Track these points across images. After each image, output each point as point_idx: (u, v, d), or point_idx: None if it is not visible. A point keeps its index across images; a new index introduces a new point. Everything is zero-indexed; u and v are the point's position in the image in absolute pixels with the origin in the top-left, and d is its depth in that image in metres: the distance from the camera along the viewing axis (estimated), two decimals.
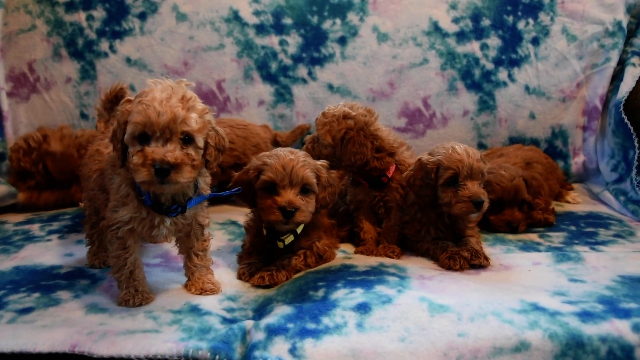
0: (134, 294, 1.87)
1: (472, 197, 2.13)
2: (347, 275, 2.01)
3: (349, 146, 2.29)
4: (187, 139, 1.69)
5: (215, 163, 1.83)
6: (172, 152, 1.64)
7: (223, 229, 2.64)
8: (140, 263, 1.92)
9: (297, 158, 2.08)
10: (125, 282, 1.88)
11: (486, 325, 1.63)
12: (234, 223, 2.72)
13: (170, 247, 2.19)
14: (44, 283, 2.02)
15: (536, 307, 1.72)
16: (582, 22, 3.28)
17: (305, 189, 2.08)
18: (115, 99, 2.33)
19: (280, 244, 2.20)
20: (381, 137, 2.37)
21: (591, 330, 1.60)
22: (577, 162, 3.40)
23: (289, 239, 2.20)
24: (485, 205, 2.15)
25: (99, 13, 3.35)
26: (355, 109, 2.34)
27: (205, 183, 1.90)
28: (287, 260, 2.13)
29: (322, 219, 2.32)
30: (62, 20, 3.34)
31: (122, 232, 1.82)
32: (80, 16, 3.35)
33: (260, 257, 2.20)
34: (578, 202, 3.08)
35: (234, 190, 2.15)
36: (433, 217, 2.29)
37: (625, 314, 1.68)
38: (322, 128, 2.33)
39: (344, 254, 2.35)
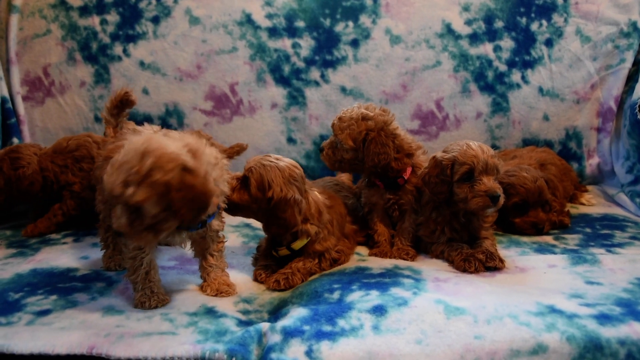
0: (150, 296, 1.88)
1: (488, 192, 2.13)
2: (362, 278, 2.01)
3: (372, 147, 2.28)
4: None
5: None
6: None
7: (237, 232, 2.65)
8: (155, 265, 1.93)
9: None
10: (142, 284, 1.89)
11: (503, 327, 1.61)
12: (247, 225, 2.73)
13: (186, 250, 2.20)
14: (61, 285, 2.03)
15: (553, 310, 1.71)
16: (596, 23, 3.27)
17: None
18: (120, 104, 2.35)
19: (275, 254, 2.21)
20: (400, 135, 2.36)
21: (609, 333, 1.59)
22: (591, 163, 3.38)
23: (283, 252, 2.19)
24: (501, 200, 2.15)
25: (112, 17, 3.37)
26: (371, 109, 2.33)
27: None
28: (301, 263, 2.13)
29: (344, 227, 2.33)
30: (76, 25, 3.37)
31: None
32: (94, 20, 3.37)
33: (276, 260, 2.21)
34: (593, 204, 3.06)
35: None
36: (448, 215, 2.29)
37: None
38: (342, 132, 2.31)
39: (359, 256, 2.35)
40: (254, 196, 2.03)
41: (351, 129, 2.30)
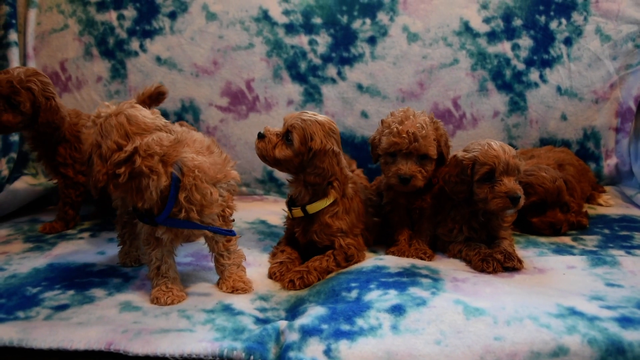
0: (165, 291, 1.88)
1: (508, 193, 2.11)
2: (379, 277, 1.99)
3: (445, 143, 2.31)
4: None
5: None
6: None
7: (252, 228, 2.64)
8: (169, 261, 1.93)
9: None
10: (155, 279, 1.90)
11: (523, 329, 1.60)
12: (263, 222, 2.73)
13: (202, 246, 2.20)
14: (78, 280, 2.04)
15: (573, 312, 1.68)
16: (616, 22, 3.23)
17: None
18: (149, 99, 2.34)
19: (289, 214, 2.25)
20: None
21: (632, 336, 1.56)
22: (609, 164, 3.35)
23: (297, 212, 2.21)
24: (522, 201, 2.13)
25: (129, 12, 3.37)
26: (410, 113, 2.27)
27: (201, 202, 1.82)
28: (317, 262, 2.12)
29: (361, 216, 2.31)
30: (93, 20, 3.37)
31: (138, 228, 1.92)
32: (112, 15, 3.37)
33: (293, 255, 2.21)
34: (610, 204, 3.03)
35: (227, 230, 1.98)
36: (466, 214, 2.28)
37: None
38: (430, 146, 2.22)
39: (375, 254, 2.33)
40: (298, 151, 2.10)
41: (432, 139, 2.24)
